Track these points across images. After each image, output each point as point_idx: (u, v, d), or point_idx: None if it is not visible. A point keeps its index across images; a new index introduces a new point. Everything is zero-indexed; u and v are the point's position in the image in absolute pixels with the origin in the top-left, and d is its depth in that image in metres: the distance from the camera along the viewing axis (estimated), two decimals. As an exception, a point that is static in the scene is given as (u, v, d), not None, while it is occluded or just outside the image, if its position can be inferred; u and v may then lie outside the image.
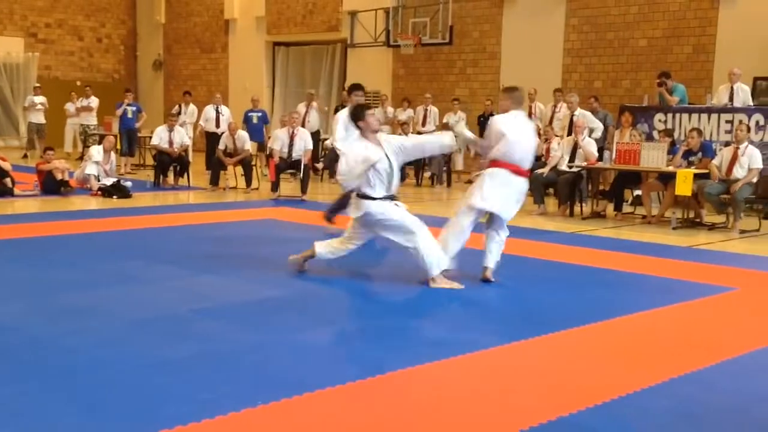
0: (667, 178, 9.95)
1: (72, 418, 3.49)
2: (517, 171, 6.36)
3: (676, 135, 11.36)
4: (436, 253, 6.04)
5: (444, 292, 6.03)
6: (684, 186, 9.42)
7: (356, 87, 8.55)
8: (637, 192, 11.12)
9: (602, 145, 11.60)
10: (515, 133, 6.30)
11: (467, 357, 4.49)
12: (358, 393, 3.89)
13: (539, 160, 12.41)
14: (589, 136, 11.38)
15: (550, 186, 11.30)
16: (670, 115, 11.96)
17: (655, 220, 10.17)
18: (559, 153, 11.19)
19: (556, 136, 12.31)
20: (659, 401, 3.87)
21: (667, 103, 12.10)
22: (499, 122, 6.40)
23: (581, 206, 10.96)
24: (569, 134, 11.64)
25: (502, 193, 6.33)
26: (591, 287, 6.54)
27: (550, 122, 13.05)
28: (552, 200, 11.33)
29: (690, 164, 10.15)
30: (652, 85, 12.86)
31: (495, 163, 6.35)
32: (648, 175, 10.38)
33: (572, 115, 12.17)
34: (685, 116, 11.82)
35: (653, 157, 10.07)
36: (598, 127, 12.20)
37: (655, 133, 11.79)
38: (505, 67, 16.26)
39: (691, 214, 10.24)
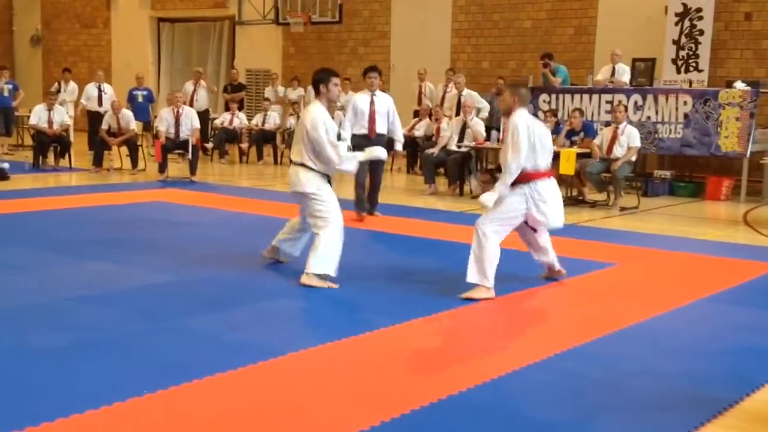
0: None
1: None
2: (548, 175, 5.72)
3: (559, 115, 11.70)
4: (331, 256, 5.64)
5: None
6: (567, 165, 9.72)
7: (372, 69, 9.04)
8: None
9: (490, 125, 11.82)
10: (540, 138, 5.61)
11: (358, 338, 4.52)
12: (246, 379, 3.86)
13: (430, 140, 12.59)
14: (477, 116, 11.59)
15: (441, 165, 11.46)
16: (553, 96, 12.31)
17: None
18: (449, 133, 11.36)
19: (446, 116, 12.48)
20: (543, 376, 4.00)
21: (551, 84, 12.44)
22: (522, 130, 5.48)
23: (470, 185, 11.15)
24: (458, 114, 11.82)
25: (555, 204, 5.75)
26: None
27: (441, 103, 13.21)
28: (442, 179, 11.50)
29: (572, 144, 10.49)
30: (536, 66, 13.18)
31: (530, 175, 5.54)
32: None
33: (460, 96, 12.35)
34: (567, 97, 12.19)
35: (538, 137, 10.33)
36: (485, 107, 12.45)
37: (539, 114, 12.11)
38: (396, 46, 16.33)
39: (574, 192, 10.59)
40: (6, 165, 11.68)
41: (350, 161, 5.88)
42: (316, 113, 5.73)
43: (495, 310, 5.28)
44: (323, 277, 5.59)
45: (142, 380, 3.73)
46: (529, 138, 5.45)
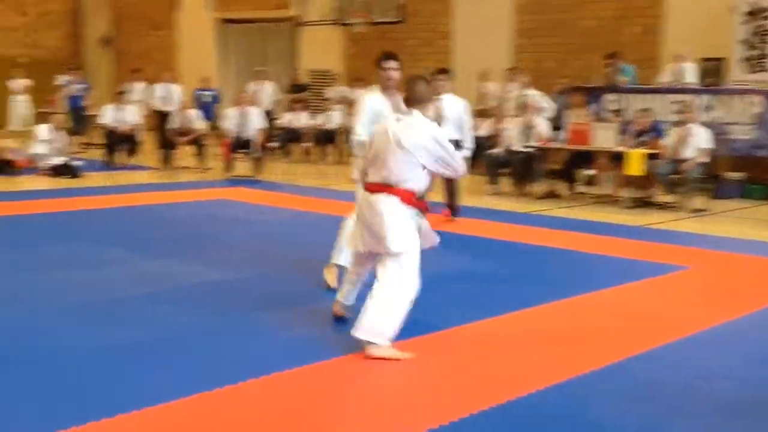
0: (619, 158, 10.09)
1: (13, 400, 3.43)
2: None
3: (626, 115, 11.51)
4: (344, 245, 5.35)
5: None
6: (635, 166, 9.56)
7: (440, 71, 8.10)
8: (590, 171, 11.26)
9: (557, 125, 11.70)
10: None
11: (430, 337, 4.52)
12: (315, 376, 3.89)
13: (492, 140, 12.50)
14: (541, 116, 11.48)
15: (504, 166, 11.37)
16: (620, 96, 12.10)
17: (608, 200, 10.32)
18: (512, 133, 11.27)
19: (509, 116, 12.39)
20: (614, 381, 3.94)
21: (617, 84, 12.24)
22: None
23: (535, 186, 11.06)
24: (521, 115, 11.72)
25: None
26: (544, 267, 6.61)
27: (503, 103, 13.12)
28: (506, 180, 11.41)
29: (641, 144, 10.30)
30: (601, 66, 12.98)
31: None
32: (599, 155, 10.51)
33: (524, 95, 12.26)
34: (634, 97, 11.97)
35: (604, 137, 10.20)
36: (549, 107, 12.31)
37: (605, 114, 11.93)
38: (457, 47, 16.26)
39: (643, 194, 10.40)
40: (78, 163, 12.01)
41: None
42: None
43: (564, 313, 5.22)
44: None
45: (206, 377, 3.79)
46: None
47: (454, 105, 8.15)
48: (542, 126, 11.05)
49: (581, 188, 11.35)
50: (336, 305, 4.80)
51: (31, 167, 11.88)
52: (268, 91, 15.55)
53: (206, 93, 15.57)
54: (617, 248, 7.32)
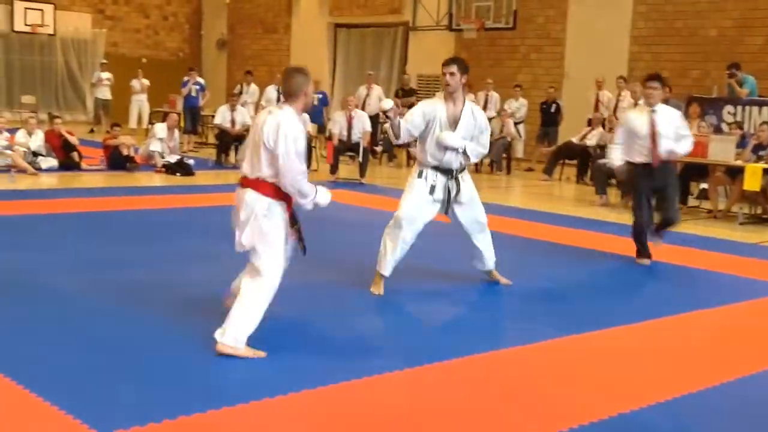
0: (735, 172, 9.69)
1: (130, 391, 3.56)
2: None
3: (745, 128, 11.05)
4: None
5: (499, 286, 5.96)
6: (752, 180, 9.16)
7: (652, 78, 6.77)
8: (704, 185, 10.85)
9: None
10: None
11: (528, 348, 4.45)
12: (412, 380, 3.88)
13: (602, 149, 12.22)
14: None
15: (613, 176, 11.08)
16: (739, 108, 11.62)
17: (722, 215, 9.92)
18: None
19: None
20: (722, 401, 3.78)
21: (737, 96, 11.76)
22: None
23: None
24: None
25: None
26: (654, 282, 6.42)
27: (615, 111, 12.82)
28: (614, 190, 11.14)
29: (759, 159, 9.86)
30: (721, 76, 12.50)
31: None
32: (715, 168, 10.12)
33: (636, 105, 11.93)
34: (755, 109, 11.47)
35: (721, 150, 9.81)
36: (664, 117, 11.92)
37: (723, 126, 11.48)
38: (570, 54, 16.00)
39: (759, 210, 9.96)
40: (192, 161, 12.43)
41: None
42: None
43: (672, 330, 5.04)
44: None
45: (321, 372, 3.84)
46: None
47: (668, 116, 6.75)
48: (655, 137, 10.71)
49: (694, 202, 10.96)
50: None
51: (147, 164, 12.36)
52: (376, 95, 15.68)
53: (315, 96, 15.80)
54: (731, 266, 7.02)
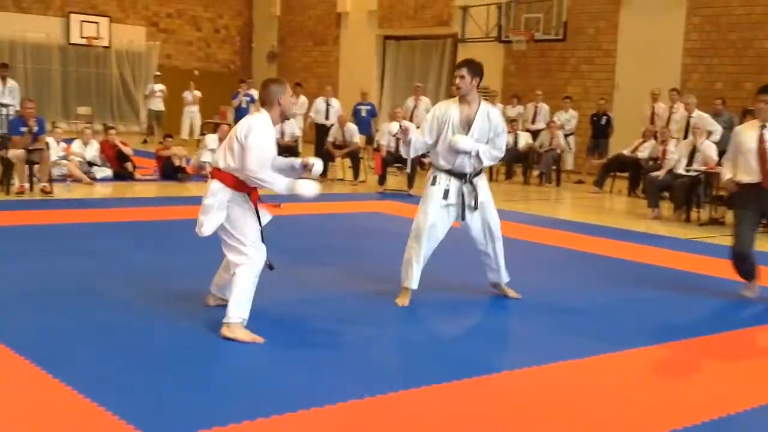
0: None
1: (177, 395, 3.60)
2: None
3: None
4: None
5: (541, 300, 5.90)
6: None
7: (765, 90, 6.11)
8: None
9: (722, 148, 11.12)
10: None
11: (581, 362, 4.39)
12: (461, 392, 3.85)
13: (655, 162, 12.05)
14: (708, 139, 10.95)
15: (666, 189, 10.93)
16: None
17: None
18: (676, 156, 10.81)
19: (673, 138, 11.91)
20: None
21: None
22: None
23: (698, 212, 10.55)
24: (686, 137, 11.25)
25: None
26: (709, 297, 6.28)
27: (667, 123, 12.64)
28: (667, 204, 10.96)
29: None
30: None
31: None
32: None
33: (689, 117, 11.77)
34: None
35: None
36: (717, 129, 11.72)
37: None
38: (621, 65, 15.82)
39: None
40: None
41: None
42: None
43: (727, 346, 4.93)
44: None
45: (357, 384, 3.83)
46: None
47: None
48: (710, 149, 10.53)
49: None
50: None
51: (198, 174, 12.53)
52: (423, 106, 15.69)
53: (364, 107, 15.88)
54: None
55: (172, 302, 5.21)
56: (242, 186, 4.62)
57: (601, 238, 8.72)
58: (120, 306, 5.08)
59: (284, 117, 4.79)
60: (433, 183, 5.50)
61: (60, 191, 10.08)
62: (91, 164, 11.70)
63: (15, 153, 9.74)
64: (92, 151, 11.85)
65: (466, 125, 5.39)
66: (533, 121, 15.57)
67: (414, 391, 3.79)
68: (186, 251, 6.97)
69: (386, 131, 12.49)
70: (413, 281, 5.46)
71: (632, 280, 6.74)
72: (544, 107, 15.57)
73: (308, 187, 4.70)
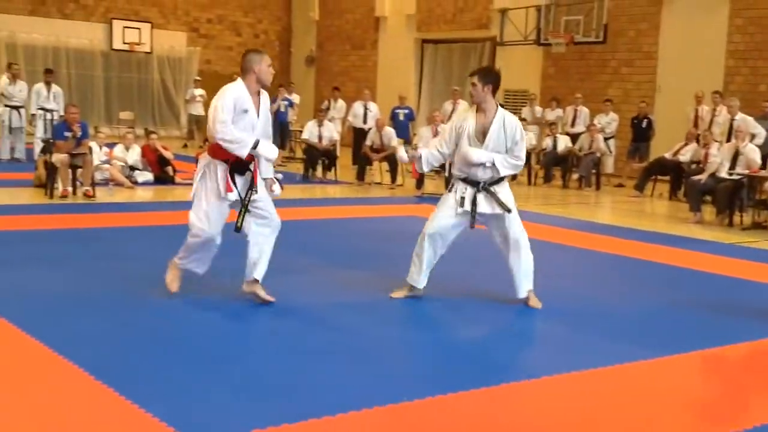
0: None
1: (221, 398, 3.62)
2: None
3: None
4: None
5: (580, 305, 5.84)
6: None
7: None
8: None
9: (766, 153, 10.93)
10: None
11: (624, 367, 4.34)
12: (505, 396, 3.83)
13: (697, 165, 11.87)
14: (751, 142, 10.77)
15: (708, 193, 10.76)
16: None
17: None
18: (719, 159, 10.64)
19: (716, 141, 11.73)
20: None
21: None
22: None
23: (741, 216, 10.37)
24: (729, 140, 11.07)
25: None
26: (752, 303, 6.17)
27: (710, 126, 12.45)
28: (709, 208, 10.79)
29: None
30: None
31: None
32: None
33: (732, 120, 11.58)
34: None
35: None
36: (761, 133, 11.53)
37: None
38: (663, 68, 15.62)
39: None
40: (280, 176, 12.57)
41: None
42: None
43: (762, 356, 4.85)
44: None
45: (401, 387, 3.83)
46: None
47: None
48: (753, 153, 10.35)
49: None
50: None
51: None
52: (462, 110, 15.62)
53: (402, 111, 15.88)
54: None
55: (214, 305, 5.26)
56: (219, 153, 5.03)
57: (641, 242, 8.62)
58: (163, 309, 5.13)
59: (261, 84, 5.16)
60: (450, 190, 5.55)
61: (102, 195, 10.23)
62: (132, 168, 11.86)
63: (59, 157, 9.91)
64: (134, 155, 12.01)
65: (482, 134, 5.36)
66: (573, 124, 15.44)
67: (451, 396, 3.77)
68: (228, 253, 7.01)
69: (423, 134, 12.51)
70: (411, 277, 5.57)
71: (674, 285, 6.66)
72: (584, 110, 15.43)
73: (270, 150, 5.13)
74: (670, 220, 10.68)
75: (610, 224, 10.04)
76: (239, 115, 5.03)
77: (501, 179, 5.46)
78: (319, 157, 13.74)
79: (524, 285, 5.54)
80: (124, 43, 21.41)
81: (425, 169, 5.69)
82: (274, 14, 24.33)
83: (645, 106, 14.69)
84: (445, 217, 5.50)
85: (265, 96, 5.25)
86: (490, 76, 5.43)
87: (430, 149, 5.59)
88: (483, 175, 5.38)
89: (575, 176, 14.54)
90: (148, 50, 21.79)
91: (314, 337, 4.64)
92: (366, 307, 5.43)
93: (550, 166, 14.56)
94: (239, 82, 5.13)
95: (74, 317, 4.86)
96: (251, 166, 5.16)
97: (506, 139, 5.37)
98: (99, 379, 3.75)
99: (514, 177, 14.59)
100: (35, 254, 6.60)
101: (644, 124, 14.50)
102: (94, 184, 10.24)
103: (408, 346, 4.65)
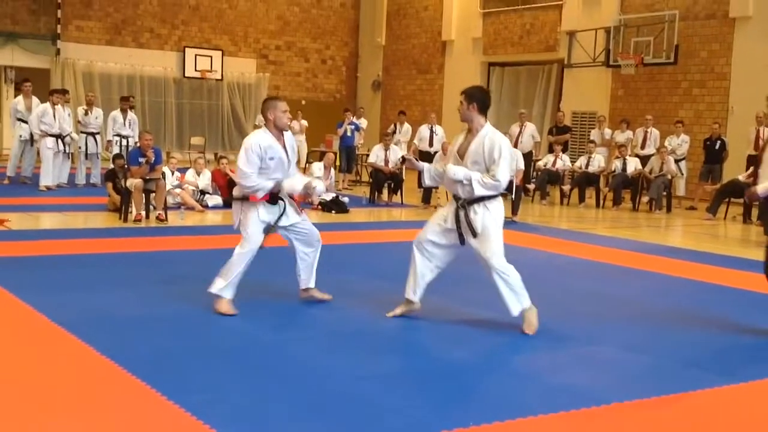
0: None
1: (293, 421, 3.65)
2: None
3: None
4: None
5: (653, 330, 5.71)
6: None
7: None
8: None
9: None
10: None
11: (698, 394, 4.23)
12: (574, 422, 3.77)
13: None
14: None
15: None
16: None
17: None
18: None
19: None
20: None
21: None
22: None
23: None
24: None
25: None
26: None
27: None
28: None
29: None
30: None
31: None
32: None
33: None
34: None
35: None
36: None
37: None
38: (736, 88, 15.28)
39: None
40: (346, 199, 12.74)
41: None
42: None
43: None
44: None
45: (467, 411, 3.81)
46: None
47: None
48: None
49: None
50: None
51: (304, 201, 12.75)
52: (529, 132, 15.56)
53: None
54: None
55: (280, 325, 5.32)
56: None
57: (715, 266, 8.40)
58: (232, 330, 5.21)
59: (278, 129, 5.60)
60: (444, 205, 5.60)
61: (174, 219, 10.46)
62: (203, 192, 12.10)
63: (133, 182, 10.18)
64: (204, 179, 12.27)
65: (464, 152, 5.39)
66: (643, 146, 15.20)
67: (521, 420, 3.73)
68: (288, 274, 7.10)
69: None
70: (409, 293, 5.60)
71: (751, 310, 6.46)
72: (654, 132, 15.19)
73: (293, 184, 5.73)
74: (745, 244, 10.40)
75: (682, 248, 9.82)
76: (269, 161, 5.56)
77: (490, 197, 5.32)
78: (385, 181, 13.81)
79: (511, 305, 5.38)
80: (196, 70, 21.96)
81: (428, 183, 5.81)
82: (341, 40, 24.65)
83: (718, 128, 14.38)
84: (431, 226, 5.57)
85: (288, 134, 5.75)
86: (476, 95, 5.50)
87: (433, 165, 5.84)
88: (462, 192, 5.36)
89: (645, 199, 14.28)
90: (219, 77, 22.30)
91: (379, 360, 4.65)
92: (428, 330, 5.42)
93: (620, 189, 14.34)
94: (264, 129, 5.65)
95: (144, 336, 4.96)
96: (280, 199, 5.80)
97: (484, 158, 5.31)
98: (170, 398, 3.82)
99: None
100: (110, 276, 6.78)
101: (717, 145, 14.19)
102: (166, 208, 10.48)
103: (474, 369, 4.61)
